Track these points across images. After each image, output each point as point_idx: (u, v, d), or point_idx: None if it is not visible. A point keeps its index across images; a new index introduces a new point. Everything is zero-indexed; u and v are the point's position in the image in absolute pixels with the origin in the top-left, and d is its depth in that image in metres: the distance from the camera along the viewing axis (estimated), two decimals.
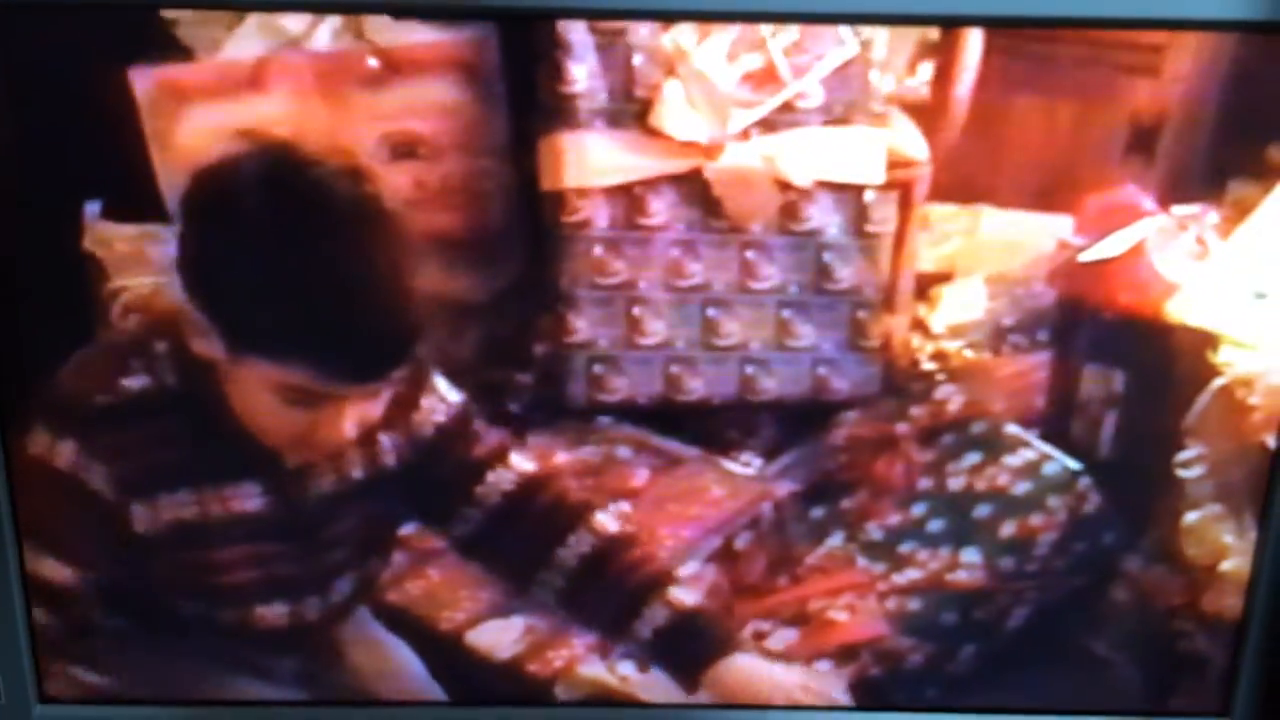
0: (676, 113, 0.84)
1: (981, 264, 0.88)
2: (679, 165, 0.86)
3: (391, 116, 0.84)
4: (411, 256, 0.84)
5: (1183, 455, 0.92)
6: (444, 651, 0.96)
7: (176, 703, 0.97)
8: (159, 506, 0.89)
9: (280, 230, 0.84)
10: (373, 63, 0.82)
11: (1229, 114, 0.83)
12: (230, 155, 0.81)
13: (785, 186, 0.86)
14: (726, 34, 0.82)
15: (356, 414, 0.88)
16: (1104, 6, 0.78)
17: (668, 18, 0.81)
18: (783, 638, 0.98)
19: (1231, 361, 0.90)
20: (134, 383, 0.86)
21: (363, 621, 0.95)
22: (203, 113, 0.82)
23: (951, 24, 0.80)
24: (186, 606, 0.93)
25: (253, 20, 0.81)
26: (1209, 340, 0.89)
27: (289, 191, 0.83)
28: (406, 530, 0.94)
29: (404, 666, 0.96)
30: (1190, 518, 0.94)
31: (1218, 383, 0.90)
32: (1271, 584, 0.93)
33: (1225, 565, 0.95)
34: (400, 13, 0.80)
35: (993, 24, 0.80)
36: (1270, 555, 0.92)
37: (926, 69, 0.83)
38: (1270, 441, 0.91)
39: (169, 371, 0.86)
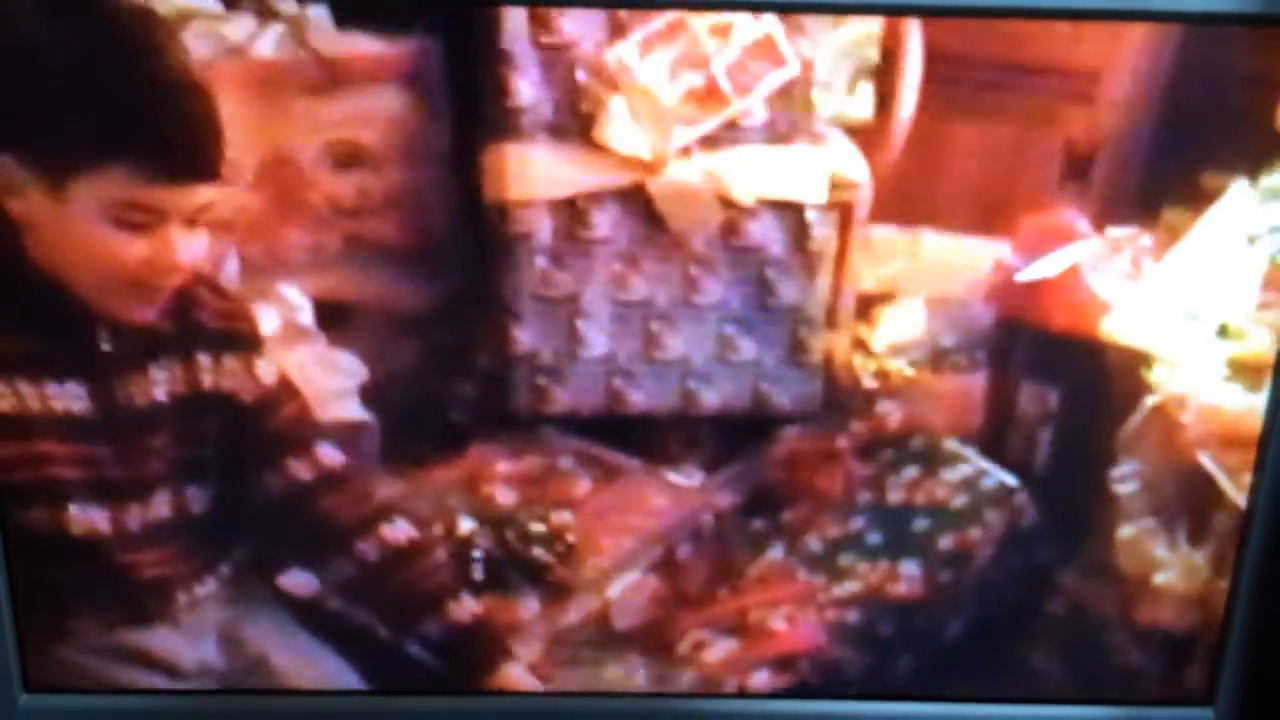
0: (620, 128, 0.84)
1: (922, 284, 0.89)
2: (622, 179, 0.86)
3: (334, 125, 0.84)
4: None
5: (1117, 471, 0.94)
6: None
7: (161, 691, 0.97)
8: None
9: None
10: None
11: (1163, 141, 0.84)
12: None
13: (727, 203, 0.87)
14: (669, 50, 0.82)
15: (186, 238, 0.86)
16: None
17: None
18: (723, 647, 0.99)
19: (1164, 380, 0.91)
20: None
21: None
22: None
23: (960, 14, 0.81)
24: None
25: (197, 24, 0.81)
26: (1142, 359, 0.91)
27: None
28: None
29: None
30: (1124, 532, 0.95)
31: (1151, 401, 0.92)
32: (1254, 573, 0.94)
33: (1158, 578, 0.96)
34: None
35: (990, 14, 0.81)
36: (1253, 544, 0.93)
37: (867, 91, 0.83)
38: (1203, 459, 0.93)
39: None
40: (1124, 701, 0.99)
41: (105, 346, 0.89)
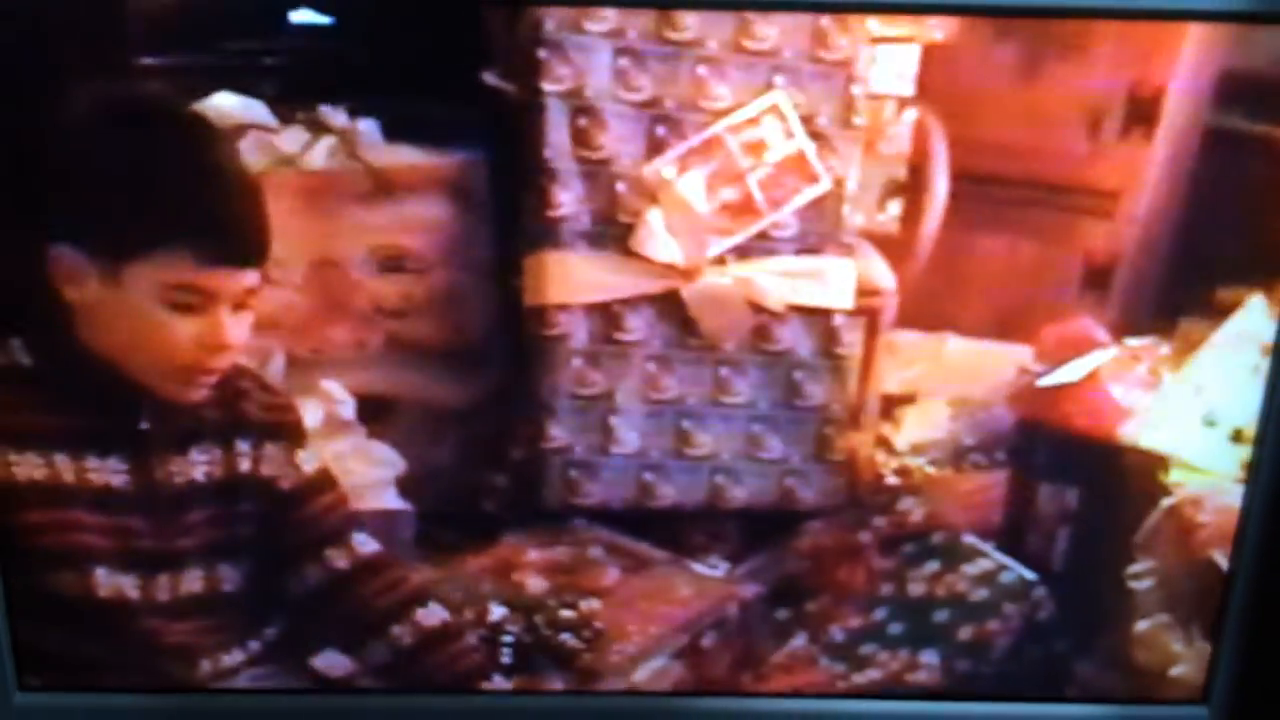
0: (656, 237, 0.87)
1: (944, 387, 0.91)
2: (657, 286, 0.89)
3: (381, 231, 0.87)
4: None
5: (1133, 568, 0.96)
6: None
7: (155, 690, 0.97)
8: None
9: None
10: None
11: (1179, 255, 0.87)
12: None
13: (758, 309, 0.90)
14: (706, 165, 0.86)
15: (233, 321, 0.89)
16: None
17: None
18: None
19: (1181, 482, 0.93)
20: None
21: None
22: None
23: (942, 11, 0.82)
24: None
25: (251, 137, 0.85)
26: (1159, 462, 0.93)
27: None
28: None
29: None
30: (1140, 626, 0.97)
31: (1167, 502, 0.94)
32: (1250, 572, 0.94)
33: (1174, 671, 0.98)
34: None
35: (999, 13, 0.82)
36: (1249, 549, 0.94)
37: (895, 206, 0.86)
38: (1218, 558, 0.95)
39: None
40: (1120, 699, 0.99)
41: (147, 426, 0.92)
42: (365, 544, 0.95)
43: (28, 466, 0.91)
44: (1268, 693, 0.98)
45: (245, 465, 0.93)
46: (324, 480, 0.94)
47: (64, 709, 0.97)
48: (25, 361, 0.90)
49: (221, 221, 0.87)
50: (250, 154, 0.85)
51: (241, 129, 0.84)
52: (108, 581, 0.94)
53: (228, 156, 0.85)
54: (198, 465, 0.93)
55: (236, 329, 0.89)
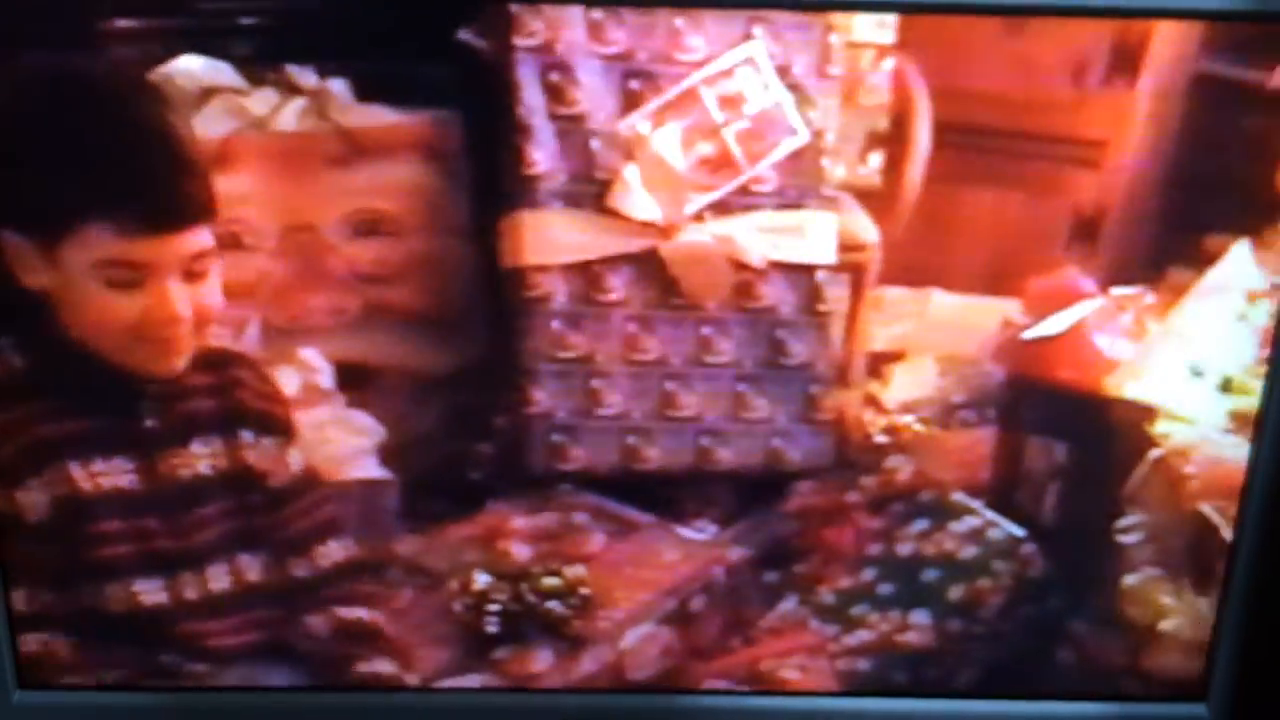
0: (634, 194, 0.86)
1: (932, 343, 0.90)
2: (636, 244, 0.88)
3: (354, 194, 0.86)
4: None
5: (1122, 522, 0.95)
6: None
7: (156, 689, 0.97)
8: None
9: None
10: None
11: (1166, 204, 0.86)
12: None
13: (740, 266, 0.88)
14: (682, 120, 0.84)
15: (188, 291, 0.86)
16: None
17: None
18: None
19: (1168, 434, 0.93)
20: None
21: None
22: None
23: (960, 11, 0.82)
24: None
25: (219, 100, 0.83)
26: (1146, 413, 0.92)
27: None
28: None
29: None
30: (1130, 580, 0.97)
31: (1155, 454, 0.93)
32: (1248, 568, 0.94)
33: (1164, 625, 0.97)
34: None
35: (993, 11, 0.82)
36: (1247, 547, 0.94)
37: (877, 158, 0.85)
38: (1206, 510, 0.94)
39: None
40: (1119, 697, 0.99)
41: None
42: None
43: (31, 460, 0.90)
44: (1267, 690, 0.97)
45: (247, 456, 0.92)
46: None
47: (64, 708, 0.97)
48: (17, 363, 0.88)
49: (141, 188, 0.84)
50: (218, 118, 0.83)
51: (206, 93, 0.82)
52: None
53: (147, 118, 0.83)
54: (201, 458, 0.92)
55: (194, 298, 0.86)
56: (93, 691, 0.96)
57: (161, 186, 0.84)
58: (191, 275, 0.86)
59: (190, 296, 0.86)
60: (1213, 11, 0.81)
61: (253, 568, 0.95)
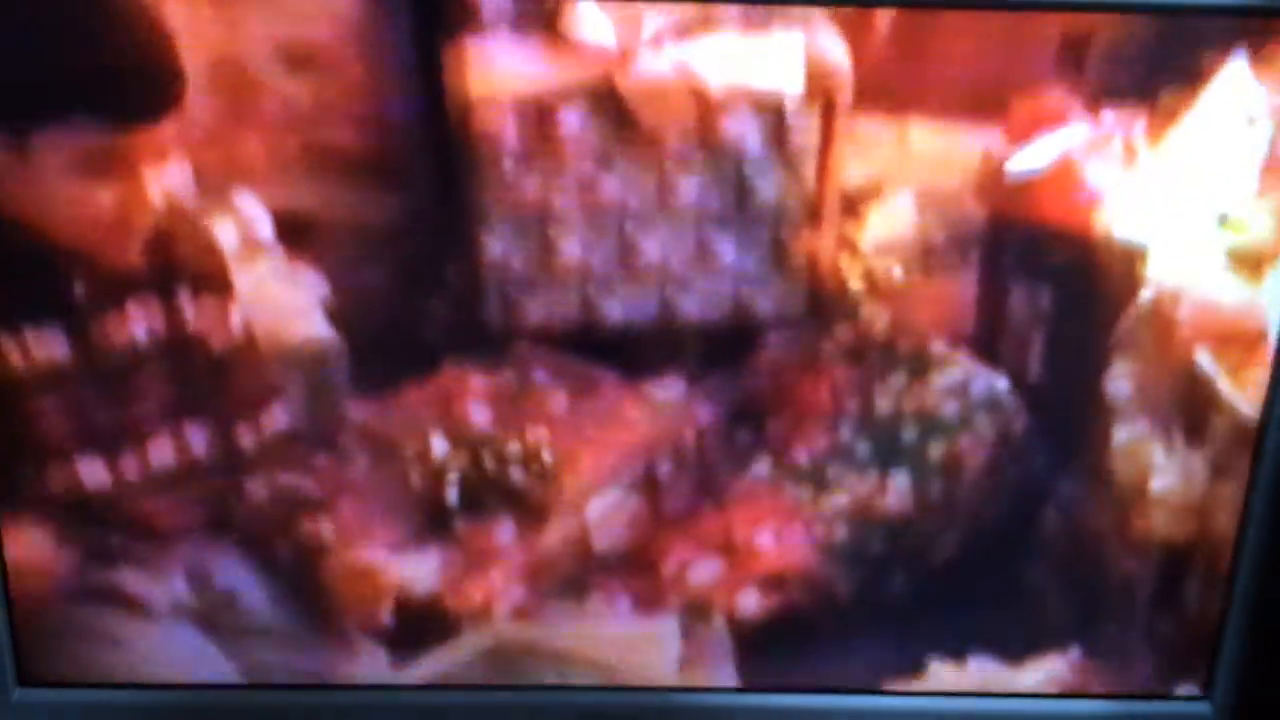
0: (586, 18, 0.80)
1: (910, 179, 0.85)
2: (590, 74, 0.82)
3: (284, 22, 0.80)
4: None
5: (1111, 372, 0.90)
6: None
7: (156, 686, 0.96)
8: None
9: None
10: None
11: (1160, 19, 0.81)
12: None
13: (702, 97, 0.83)
14: None
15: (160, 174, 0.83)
16: None
17: None
18: (707, 568, 0.96)
19: (1160, 274, 0.88)
20: None
21: None
22: None
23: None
24: None
25: None
26: (1137, 253, 0.87)
27: None
28: None
29: None
30: (1120, 435, 0.92)
31: (1145, 296, 0.88)
32: (1253, 563, 0.93)
33: (1154, 484, 0.93)
34: None
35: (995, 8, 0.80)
36: (1253, 534, 0.92)
37: None
38: (1200, 358, 0.90)
39: None
40: (1122, 694, 0.98)
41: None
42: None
43: None
44: (1271, 686, 0.96)
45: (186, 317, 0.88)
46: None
47: (64, 705, 0.96)
48: None
49: (121, 78, 0.80)
50: None
51: None
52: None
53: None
54: (137, 321, 0.87)
55: (165, 181, 0.82)
56: (93, 689, 0.96)
57: (139, 74, 0.80)
58: (162, 158, 0.82)
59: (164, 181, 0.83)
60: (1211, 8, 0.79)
61: (197, 439, 0.90)
